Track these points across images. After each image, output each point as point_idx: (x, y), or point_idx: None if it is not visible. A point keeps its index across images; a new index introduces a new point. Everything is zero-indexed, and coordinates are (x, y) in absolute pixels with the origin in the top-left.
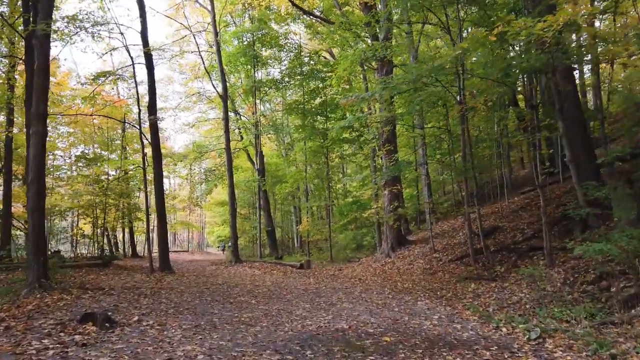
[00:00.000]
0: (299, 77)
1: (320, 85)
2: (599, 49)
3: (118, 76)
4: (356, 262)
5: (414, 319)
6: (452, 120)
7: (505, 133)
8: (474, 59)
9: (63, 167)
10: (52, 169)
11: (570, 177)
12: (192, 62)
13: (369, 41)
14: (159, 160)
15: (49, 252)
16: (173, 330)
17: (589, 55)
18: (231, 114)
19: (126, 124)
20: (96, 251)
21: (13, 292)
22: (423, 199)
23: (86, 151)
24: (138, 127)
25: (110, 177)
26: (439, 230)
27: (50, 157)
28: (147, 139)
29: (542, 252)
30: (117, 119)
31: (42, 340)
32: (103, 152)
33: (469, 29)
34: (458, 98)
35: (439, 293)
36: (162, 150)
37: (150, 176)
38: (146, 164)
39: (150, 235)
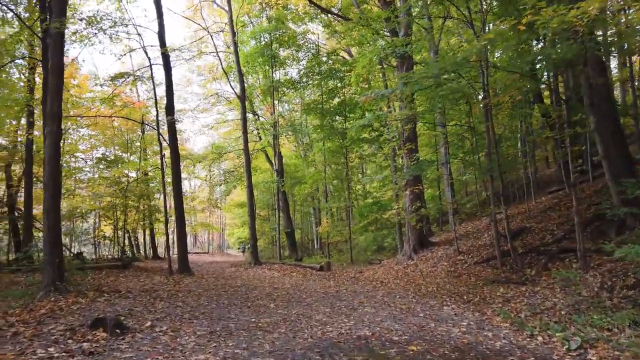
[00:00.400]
0: (317, 76)
1: (339, 84)
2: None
3: (136, 77)
4: (377, 264)
5: (440, 325)
6: (476, 117)
7: (530, 131)
8: (497, 55)
9: (84, 169)
10: (73, 171)
11: (600, 176)
12: (210, 64)
13: (388, 38)
14: (177, 161)
15: (72, 254)
16: (187, 337)
17: (625, 44)
18: (249, 115)
19: (145, 125)
20: (117, 253)
21: (28, 295)
22: (445, 200)
23: (107, 153)
24: (156, 129)
25: (130, 179)
26: (463, 231)
27: (72, 159)
28: (165, 141)
29: (574, 255)
30: (136, 120)
31: (48, 349)
32: (123, 154)
33: (492, 25)
34: (482, 94)
35: (465, 297)
36: (182, 152)
37: (169, 178)
38: (165, 166)
39: (170, 236)
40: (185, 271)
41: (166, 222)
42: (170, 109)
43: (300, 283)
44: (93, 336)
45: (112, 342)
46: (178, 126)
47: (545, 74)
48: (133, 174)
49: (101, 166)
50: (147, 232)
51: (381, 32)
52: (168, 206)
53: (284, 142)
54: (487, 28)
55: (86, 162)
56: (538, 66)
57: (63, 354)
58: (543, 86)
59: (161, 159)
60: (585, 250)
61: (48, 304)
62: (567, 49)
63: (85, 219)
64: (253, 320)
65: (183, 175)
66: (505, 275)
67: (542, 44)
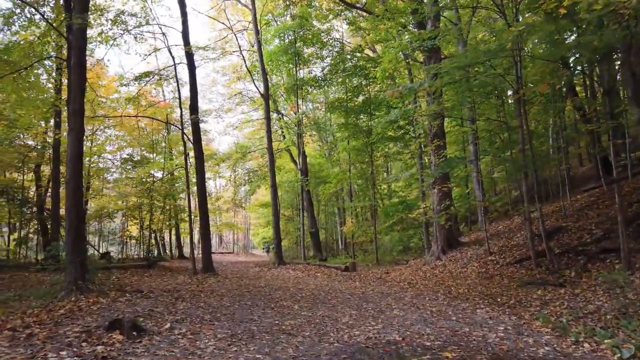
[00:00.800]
0: (341, 73)
1: (364, 82)
2: None
3: (160, 76)
4: (403, 264)
5: (475, 329)
6: (507, 112)
7: (563, 126)
8: (531, 44)
9: (111, 169)
10: (100, 171)
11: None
12: (234, 64)
13: (415, 31)
14: (201, 161)
15: (99, 253)
16: (206, 340)
17: None
18: (273, 115)
19: (170, 125)
20: (143, 253)
21: (50, 295)
22: (475, 198)
23: (133, 154)
24: (180, 128)
25: (155, 179)
26: (494, 231)
27: (99, 160)
28: (189, 140)
29: (615, 255)
30: (160, 119)
31: (60, 352)
32: (149, 154)
33: (525, 15)
34: (515, 86)
35: (499, 299)
36: (207, 152)
37: (194, 177)
38: (189, 165)
39: (195, 236)
40: (209, 271)
41: (190, 222)
42: (194, 108)
43: (325, 284)
44: (109, 339)
45: (127, 346)
46: (203, 126)
47: (580, 67)
48: (159, 174)
49: (127, 167)
50: (173, 231)
51: (407, 25)
52: (192, 206)
53: (308, 141)
54: (519, 17)
55: (113, 162)
56: (573, 58)
57: (75, 358)
58: (576, 80)
59: (185, 158)
60: (629, 250)
61: (68, 303)
62: (610, 35)
63: (112, 219)
64: (276, 322)
65: (208, 175)
66: (540, 277)
67: (576, 34)
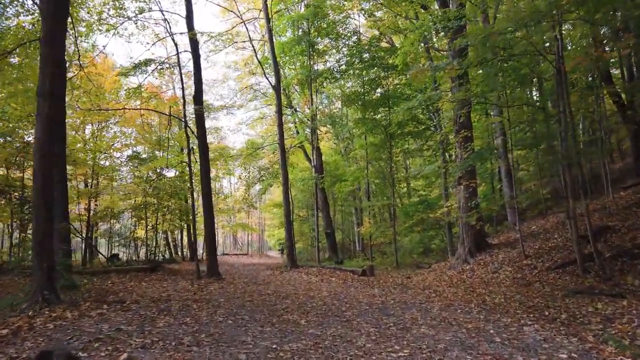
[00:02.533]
0: (358, 65)
1: (382, 74)
2: None
3: (162, 64)
4: (426, 268)
5: (531, 357)
6: (542, 99)
7: (599, 115)
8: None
9: (117, 167)
10: (105, 169)
11: None
12: (245, 58)
13: (438, 12)
14: (206, 156)
15: (103, 256)
16: None
17: None
18: (287, 112)
19: (173, 118)
20: (150, 255)
21: (10, 307)
22: (504, 196)
23: (140, 151)
24: (183, 120)
25: (161, 177)
26: (526, 231)
27: (107, 158)
28: (193, 133)
29: None
30: (163, 112)
31: None
32: (157, 152)
33: None
34: (556, 64)
35: (547, 313)
36: (217, 149)
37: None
38: (192, 160)
39: (196, 237)
40: (214, 275)
41: (193, 222)
42: (198, 99)
43: (339, 290)
44: None
45: None
46: (215, 124)
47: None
48: (170, 173)
49: (134, 165)
50: (185, 232)
51: (429, 6)
52: (197, 205)
53: (323, 137)
54: None
55: (121, 160)
56: None
57: None
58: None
59: (188, 153)
60: None
61: (22, 319)
62: None
63: (118, 220)
64: (274, 346)
65: (220, 174)
66: (590, 285)
67: None
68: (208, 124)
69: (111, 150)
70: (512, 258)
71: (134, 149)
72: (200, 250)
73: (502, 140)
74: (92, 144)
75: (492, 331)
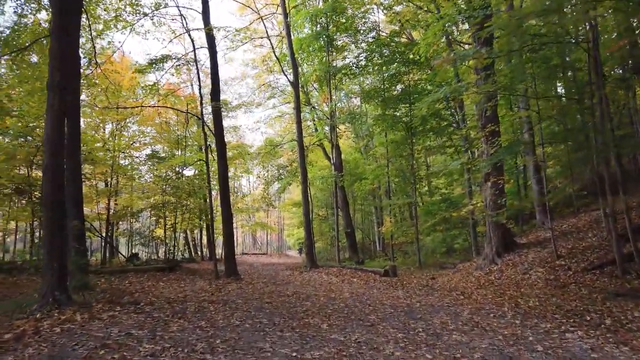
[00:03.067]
0: (378, 60)
1: (402, 69)
2: None
3: (177, 59)
4: (450, 268)
5: None
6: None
7: (633, 109)
8: None
9: (135, 166)
10: (123, 168)
11: None
12: (263, 55)
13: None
14: (223, 154)
15: (122, 256)
16: None
17: None
18: (306, 110)
19: (191, 116)
20: (168, 254)
21: (20, 308)
22: (527, 194)
23: (159, 150)
24: (200, 117)
25: (180, 176)
26: (557, 230)
27: (126, 157)
28: (210, 130)
29: None
30: (180, 109)
31: None
32: (176, 151)
33: None
34: (590, 53)
35: (588, 318)
36: (237, 149)
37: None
38: (210, 158)
39: (214, 236)
40: (232, 275)
41: (211, 220)
42: (215, 93)
43: (361, 292)
44: None
45: None
46: (234, 122)
47: None
48: (189, 172)
49: (152, 164)
50: (204, 232)
51: None
52: (215, 204)
53: (342, 135)
54: None
55: (139, 159)
56: None
57: None
58: None
59: (205, 150)
60: None
61: (28, 322)
62: None
63: (137, 219)
64: (294, 354)
65: (238, 172)
66: (632, 287)
67: None
68: (226, 122)
69: (130, 149)
70: (543, 258)
71: (154, 147)
72: (219, 250)
73: (530, 135)
74: (111, 143)
75: (531, 338)
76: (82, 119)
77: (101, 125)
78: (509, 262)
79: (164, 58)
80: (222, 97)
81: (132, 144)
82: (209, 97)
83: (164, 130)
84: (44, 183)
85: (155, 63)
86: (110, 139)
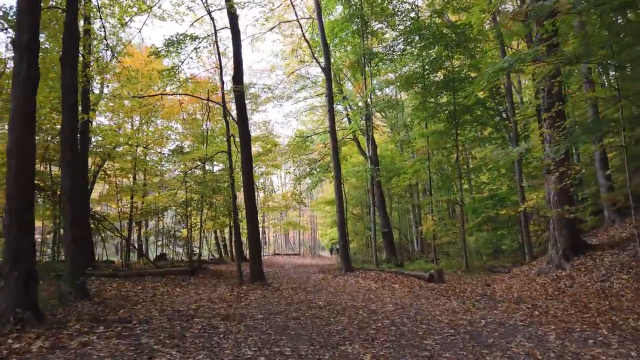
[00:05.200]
0: (418, 43)
1: (445, 52)
2: None
3: (195, 39)
4: (502, 272)
5: None
6: None
7: None
8: None
9: (157, 163)
10: (149, 162)
11: None
12: (294, 44)
13: None
14: (247, 146)
15: (145, 257)
16: None
17: None
18: (338, 100)
19: (214, 105)
20: (191, 255)
21: None
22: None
23: (182, 146)
24: (221, 104)
25: (205, 173)
26: (629, 231)
27: (147, 152)
28: (232, 117)
29: None
30: (200, 97)
31: None
32: (200, 145)
33: None
34: None
35: None
36: (263, 139)
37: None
38: (233, 150)
39: (264, 236)
40: (258, 280)
41: (235, 217)
42: (238, 77)
43: (407, 302)
44: None
45: None
46: (263, 117)
47: None
48: (218, 167)
49: (175, 158)
50: (233, 231)
51: None
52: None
53: (377, 129)
54: None
55: (163, 155)
56: None
57: None
58: None
59: (227, 140)
60: None
61: None
62: None
63: (161, 217)
64: None
65: (268, 167)
66: None
67: None
68: (255, 117)
69: (153, 144)
70: (624, 263)
71: (179, 143)
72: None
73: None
74: (133, 139)
75: None
76: (103, 113)
77: (124, 118)
78: (580, 266)
79: (183, 38)
80: (250, 90)
81: (155, 139)
82: (232, 84)
83: (189, 125)
84: (10, 171)
85: (173, 44)
86: (133, 134)
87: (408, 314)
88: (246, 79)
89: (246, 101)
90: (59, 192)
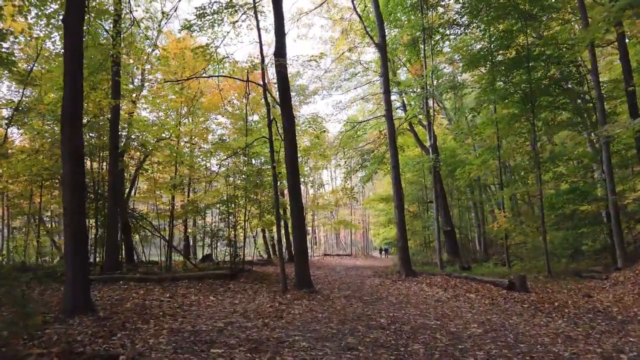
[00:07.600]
0: (485, 17)
1: (517, 25)
2: None
3: (233, 7)
4: (594, 278)
5: None
6: None
7: None
8: None
9: (198, 156)
10: (197, 157)
11: None
12: (344, 26)
13: None
14: (291, 132)
15: (187, 257)
16: None
17: None
18: (393, 85)
19: (254, 85)
20: (234, 256)
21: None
22: None
23: (226, 139)
24: (261, 84)
25: (252, 167)
26: None
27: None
28: (274, 98)
29: None
30: (240, 78)
31: None
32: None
33: None
34: None
35: None
36: (309, 120)
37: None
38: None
39: (312, 235)
40: (305, 287)
41: (277, 213)
42: (280, 50)
43: (497, 322)
44: None
45: None
46: (312, 109)
47: None
48: (259, 161)
49: (216, 152)
50: (283, 230)
51: None
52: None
53: (437, 117)
54: None
55: (204, 148)
56: None
57: None
58: None
59: (269, 125)
60: None
61: None
62: None
63: (203, 215)
64: None
65: (317, 162)
66: None
67: None
68: (304, 110)
69: (195, 137)
70: None
71: (221, 137)
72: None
73: None
74: (175, 131)
75: None
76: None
77: (167, 110)
78: None
79: (218, 8)
80: (298, 82)
81: (198, 131)
82: (273, 58)
83: (230, 116)
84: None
85: (205, 14)
86: (176, 127)
87: (505, 340)
88: (292, 70)
89: (293, 94)
90: (100, 192)
